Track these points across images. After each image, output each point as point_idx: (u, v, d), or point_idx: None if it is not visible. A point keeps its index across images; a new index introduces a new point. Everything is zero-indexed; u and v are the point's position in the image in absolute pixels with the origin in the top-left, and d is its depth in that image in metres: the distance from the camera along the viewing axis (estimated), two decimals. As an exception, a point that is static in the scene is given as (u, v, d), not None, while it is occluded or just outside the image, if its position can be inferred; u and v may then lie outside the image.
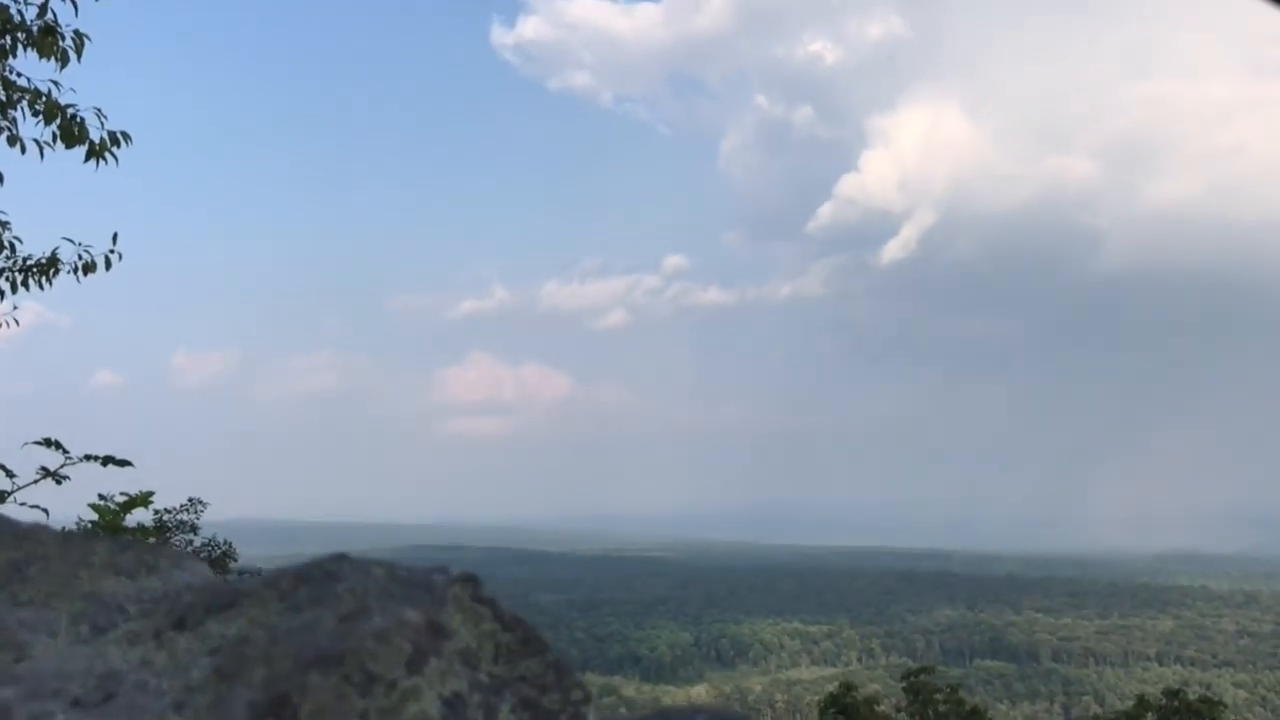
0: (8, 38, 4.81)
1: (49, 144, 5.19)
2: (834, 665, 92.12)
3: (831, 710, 22.81)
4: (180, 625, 1.09)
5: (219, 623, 1.06)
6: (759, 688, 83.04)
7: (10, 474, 3.67)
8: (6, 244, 5.77)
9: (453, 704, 0.97)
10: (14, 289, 5.89)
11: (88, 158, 5.17)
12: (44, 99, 4.93)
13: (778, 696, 74.69)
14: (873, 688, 29.05)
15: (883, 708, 23.47)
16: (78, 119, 4.99)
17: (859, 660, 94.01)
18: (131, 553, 1.20)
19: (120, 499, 3.69)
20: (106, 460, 3.54)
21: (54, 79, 4.98)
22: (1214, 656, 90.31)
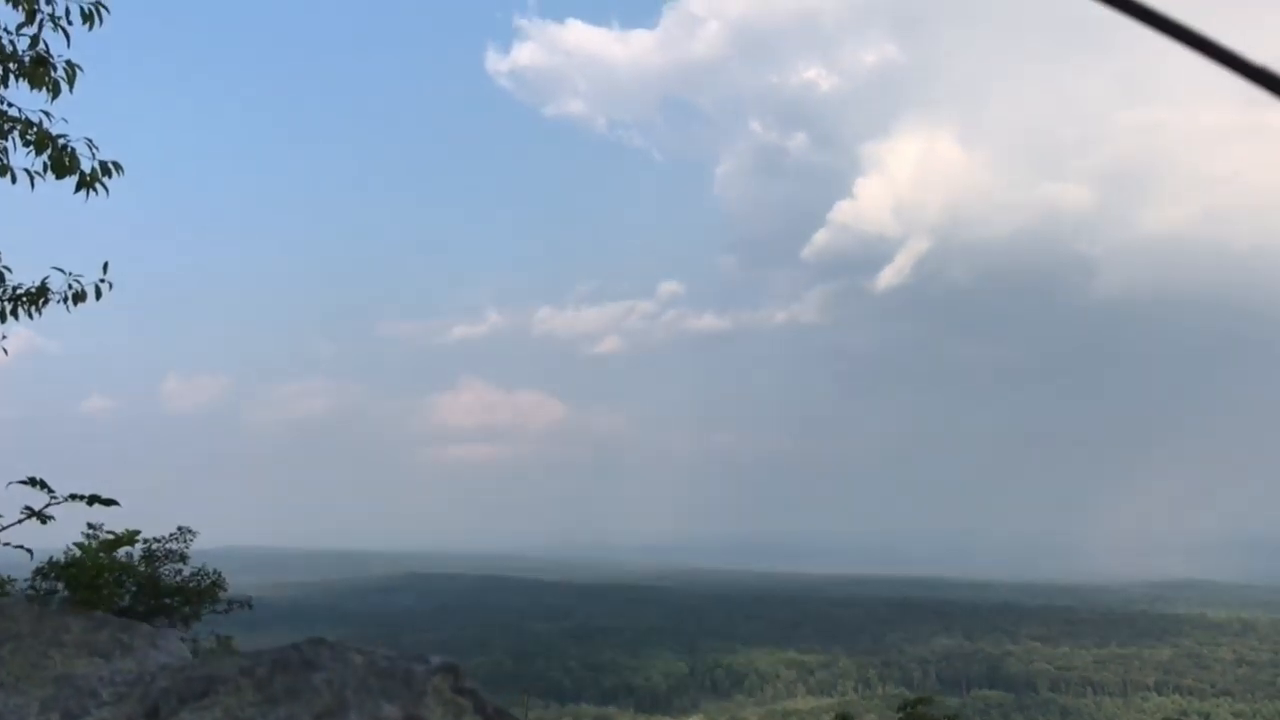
0: (0, 68, 4.77)
1: (40, 174, 5.14)
2: (830, 695, 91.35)
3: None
4: (154, 715, 1.01)
5: (193, 712, 0.99)
6: (755, 718, 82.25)
7: (-6, 514, 3.58)
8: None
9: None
10: (3, 318, 5.82)
11: (78, 188, 5.12)
12: (35, 129, 4.89)
13: (774, 727, 73.90)
14: (869, 718, 28.74)
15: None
16: (69, 149, 4.94)
17: (855, 690, 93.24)
18: (106, 631, 1.12)
19: (107, 536, 3.59)
20: (92, 499, 3.45)
21: (45, 109, 4.93)
22: (1212, 686, 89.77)
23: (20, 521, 3.67)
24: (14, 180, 5.04)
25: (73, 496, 3.54)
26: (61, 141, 4.93)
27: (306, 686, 0.93)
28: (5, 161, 4.93)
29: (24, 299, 5.72)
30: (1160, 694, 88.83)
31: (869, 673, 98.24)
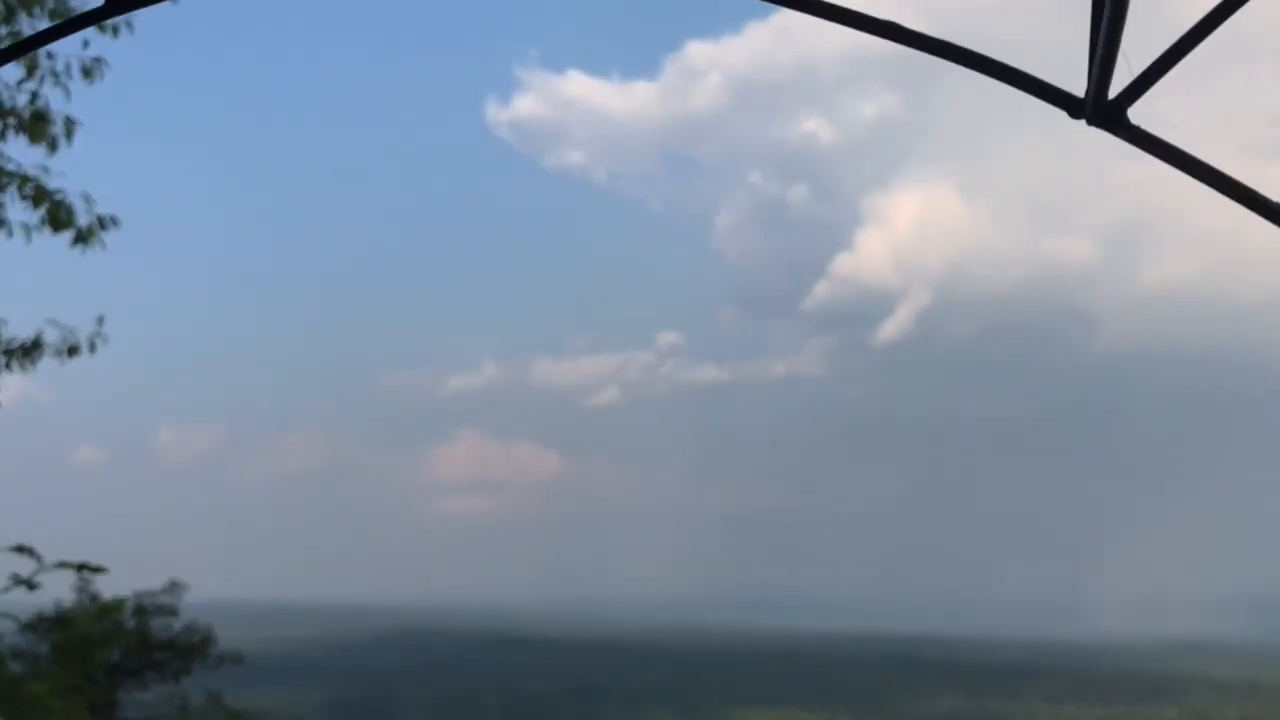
0: (0, 123, 4.83)
1: (36, 227, 5.18)
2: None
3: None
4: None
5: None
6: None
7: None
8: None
9: None
10: (-3, 371, 5.82)
11: (75, 242, 5.16)
12: (33, 184, 4.94)
13: (774, 788, 72.26)
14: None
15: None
16: (65, 204, 4.99)
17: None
18: None
19: (95, 603, 3.55)
20: (80, 567, 3.43)
21: (44, 164, 4.99)
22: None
23: (6, 590, 3.64)
24: (10, 234, 5.09)
25: (61, 564, 3.52)
26: (58, 197, 4.99)
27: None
28: (2, 216, 4.98)
29: (18, 352, 5.74)
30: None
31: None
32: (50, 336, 5.69)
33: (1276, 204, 0.63)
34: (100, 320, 5.81)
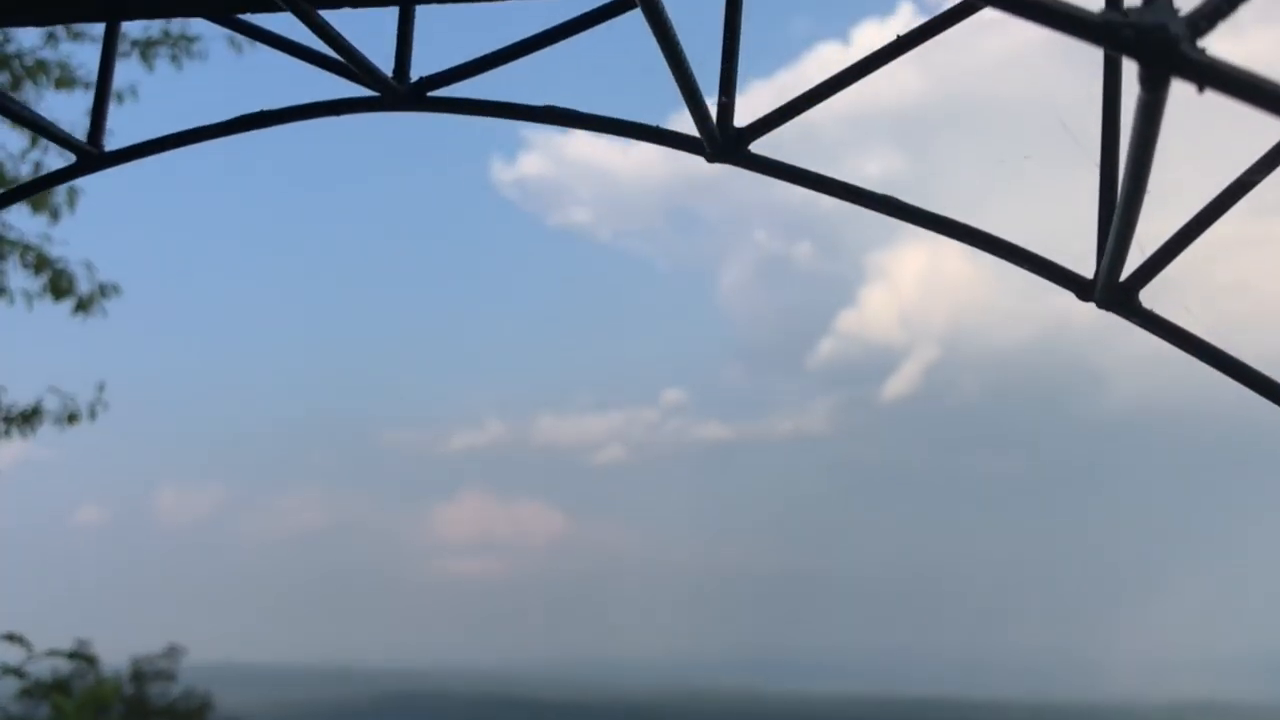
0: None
1: (38, 295, 5.19)
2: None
3: None
4: None
5: None
6: None
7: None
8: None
9: None
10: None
11: (76, 310, 5.17)
12: (34, 252, 4.96)
13: None
14: None
15: None
16: (67, 273, 5.01)
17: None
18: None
19: (90, 688, 3.49)
20: (72, 654, 3.38)
21: (46, 233, 5.02)
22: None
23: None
24: (12, 302, 5.10)
25: (51, 653, 3.46)
26: (60, 265, 5.01)
27: None
28: (3, 284, 5.00)
29: (18, 419, 5.72)
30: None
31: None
32: (50, 403, 5.68)
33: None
34: (101, 387, 5.80)
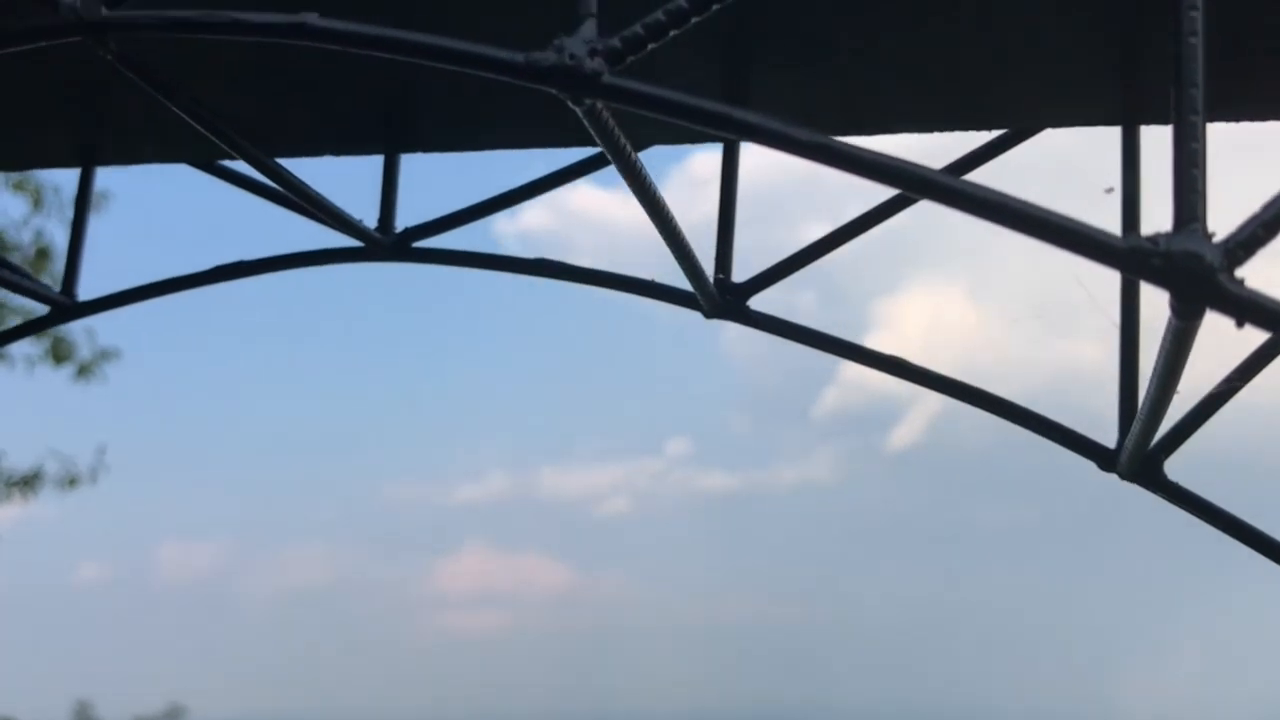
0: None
1: (39, 360, 5.18)
2: None
3: None
4: None
5: None
6: None
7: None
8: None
9: None
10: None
11: (77, 375, 5.14)
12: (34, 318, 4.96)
13: None
14: None
15: None
16: (67, 340, 4.99)
17: None
18: None
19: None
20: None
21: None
22: None
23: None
24: (12, 367, 5.08)
25: None
26: (60, 333, 4.99)
27: None
28: (3, 351, 4.98)
29: (19, 484, 5.69)
30: None
31: None
32: (51, 467, 5.64)
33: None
34: (102, 450, 5.77)
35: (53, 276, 5.26)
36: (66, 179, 6.11)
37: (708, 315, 0.66)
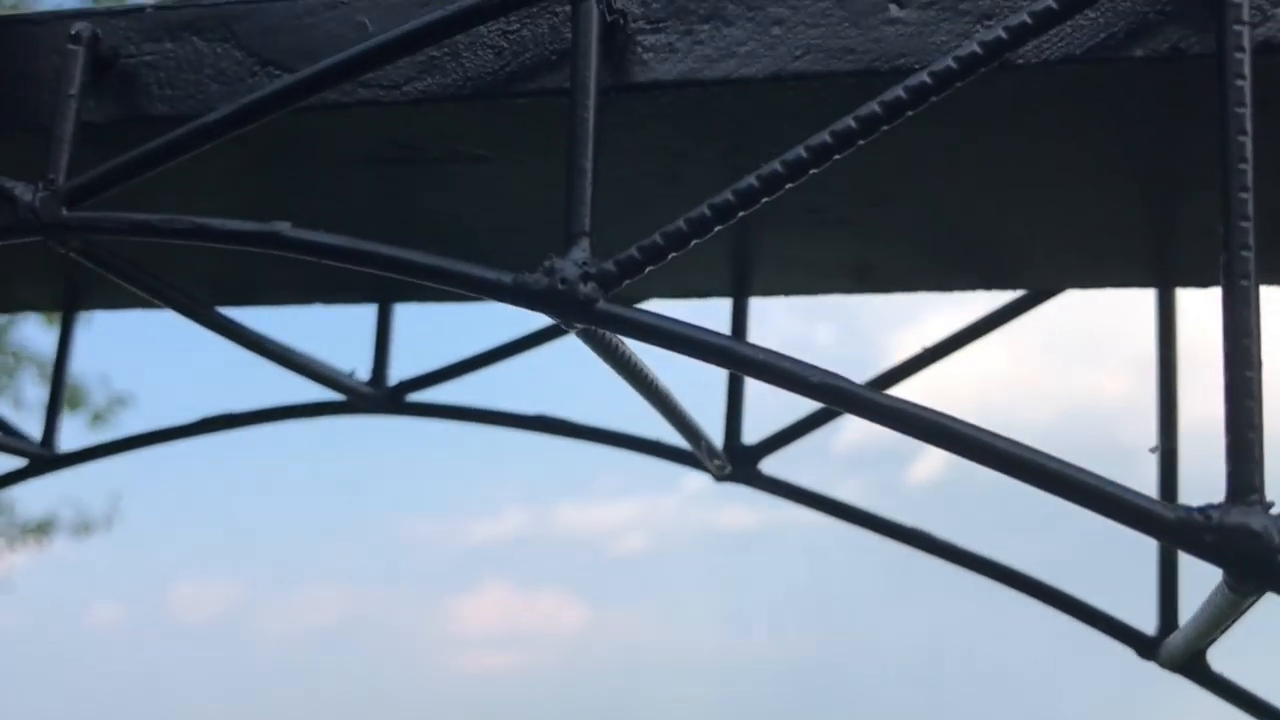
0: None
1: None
2: None
3: None
4: None
5: None
6: None
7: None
8: (5, 506, 5.68)
9: None
10: (8, 549, 5.75)
11: (92, 422, 5.15)
12: (50, 366, 4.97)
13: None
14: None
15: None
16: (81, 387, 5.00)
17: None
18: None
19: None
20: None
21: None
22: None
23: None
24: (28, 415, 5.10)
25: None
26: (74, 381, 5.01)
27: None
28: (18, 397, 5.00)
29: (33, 532, 5.69)
30: None
31: None
32: (64, 514, 5.64)
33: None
34: (116, 498, 5.76)
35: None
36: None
37: (717, 479, 0.63)
